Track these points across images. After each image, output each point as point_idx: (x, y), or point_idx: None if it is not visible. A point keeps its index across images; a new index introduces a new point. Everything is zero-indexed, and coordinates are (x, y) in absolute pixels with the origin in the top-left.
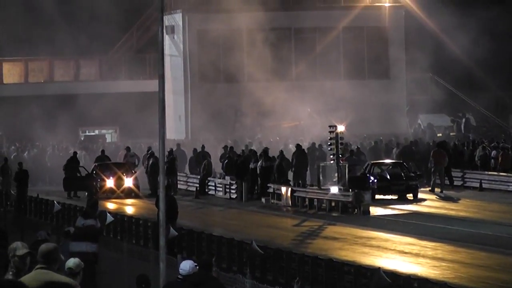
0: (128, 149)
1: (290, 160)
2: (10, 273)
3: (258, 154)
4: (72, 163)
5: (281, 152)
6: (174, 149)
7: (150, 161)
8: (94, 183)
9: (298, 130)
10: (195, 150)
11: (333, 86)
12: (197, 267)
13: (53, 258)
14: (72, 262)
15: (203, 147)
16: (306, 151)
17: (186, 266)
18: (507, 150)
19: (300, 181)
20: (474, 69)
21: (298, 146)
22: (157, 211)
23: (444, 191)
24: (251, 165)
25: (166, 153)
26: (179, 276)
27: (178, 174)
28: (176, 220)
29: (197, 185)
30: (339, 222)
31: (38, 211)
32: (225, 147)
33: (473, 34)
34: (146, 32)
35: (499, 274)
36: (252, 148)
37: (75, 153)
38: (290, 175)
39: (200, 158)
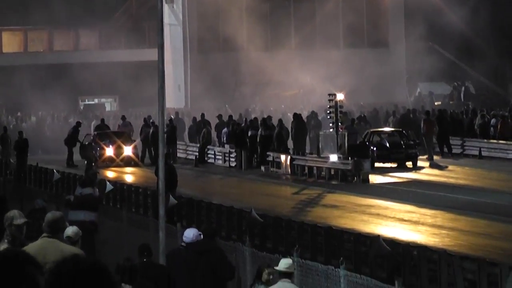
0: (123, 118)
1: (289, 129)
2: (6, 241)
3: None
4: (74, 133)
5: (280, 120)
6: (173, 118)
7: (151, 130)
8: (93, 152)
9: (297, 99)
10: (194, 119)
11: (333, 55)
12: (201, 235)
13: (59, 227)
14: (70, 230)
15: (202, 115)
16: (305, 120)
17: (190, 234)
18: (507, 118)
19: (299, 150)
20: (473, 38)
21: (296, 115)
22: (157, 180)
23: (435, 159)
24: (250, 133)
25: (167, 121)
26: (182, 244)
27: (178, 143)
28: (175, 188)
29: (197, 154)
30: (339, 190)
31: (37, 180)
32: (219, 116)
33: (472, 2)
34: (145, 1)
35: (499, 242)
36: (252, 117)
37: (78, 123)
38: (290, 144)
39: (200, 127)
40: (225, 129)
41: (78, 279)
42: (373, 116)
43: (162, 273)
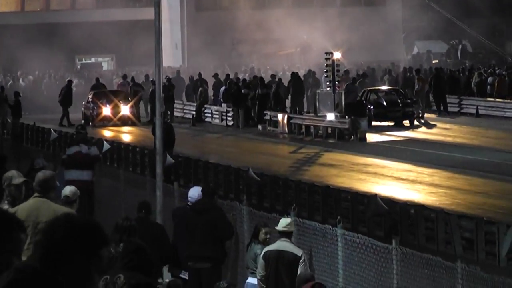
0: (124, 77)
1: (286, 88)
2: (6, 201)
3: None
4: (68, 92)
5: (280, 80)
6: (174, 76)
7: (151, 89)
8: (90, 112)
9: (294, 57)
10: (191, 77)
11: (329, 13)
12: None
13: (50, 186)
14: (68, 190)
15: (199, 74)
16: (303, 78)
17: (195, 193)
18: (504, 76)
19: (297, 108)
20: None
21: (294, 74)
22: (154, 139)
23: (432, 118)
24: (244, 91)
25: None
26: (188, 203)
27: (175, 101)
28: (173, 148)
29: (194, 113)
30: (336, 149)
31: (34, 139)
32: (216, 75)
33: None
34: None
35: (496, 200)
36: (247, 75)
37: (69, 81)
38: (288, 103)
39: (197, 86)
40: (222, 88)
41: (71, 237)
42: (370, 74)
43: (156, 230)
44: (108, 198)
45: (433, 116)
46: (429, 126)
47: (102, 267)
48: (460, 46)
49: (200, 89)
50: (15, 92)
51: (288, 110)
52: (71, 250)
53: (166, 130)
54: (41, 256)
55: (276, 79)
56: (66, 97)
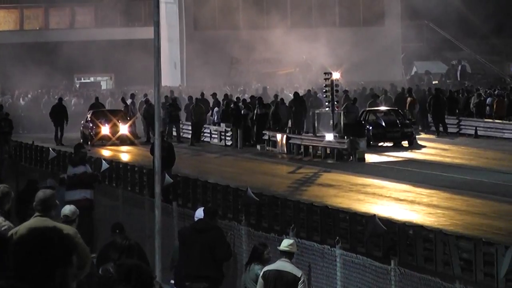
0: (123, 100)
1: (289, 107)
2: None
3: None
4: (59, 109)
5: (281, 99)
6: (172, 96)
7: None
8: (89, 131)
9: (293, 77)
10: (190, 97)
11: (328, 33)
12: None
13: (51, 205)
14: (68, 209)
15: (202, 95)
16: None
17: (201, 213)
18: (502, 97)
19: (298, 129)
20: (470, 16)
21: (296, 94)
22: (153, 158)
23: (429, 138)
24: (244, 111)
25: (163, 100)
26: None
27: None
28: (172, 167)
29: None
30: (334, 169)
31: (33, 158)
32: (214, 95)
33: None
34: None
35: (495, 221)
36: (247, 97)
37: (60, 99)
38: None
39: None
40: (216, 108)
41: (39, 249)
42: (368, 95)
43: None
44: (107, 217)
45: (431, 136)
46: (428, 146)
47: (75, 274)
48: (459, 67)
49: (191, 106)
50: (6, 113)
51: (287, 130)
52: (41, 261)
53: (167, 149)
54: (15, 272)
55: (278, 99)
56: (58, 114)
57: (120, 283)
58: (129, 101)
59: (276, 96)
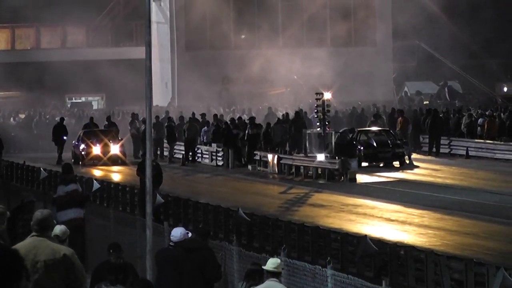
0: (108, 119)
1: (288, 127)
2: None
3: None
4: (60, 129)
5: (278, 119)
6: (163, 117)
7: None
8: (80, 151)
9: (284, 97)
10: (181, 117)
11: (320, 53)
12: (188, 234)
13: (48, 225)
14: (58, 229)
15: (193, 114)
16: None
17: (177, 232)
18: (493, 117)
19: (299, 148)
20: (461, 37)
21: (297, 113)
22: (142, 179)
23: (421, 158)
24: (235, 131)
25: (154, 120)
26: (171, 243)
27: (165, 141)
28: (159, 186)
29: (183, 152)
30: (326, 190)
31: (24, 178)
32: (203, 115)
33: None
34: None
35: (486, 242)
36: (240, 116)
37: (61, 119)
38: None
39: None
40: (204, 128)
41: None
42: (359, 115)
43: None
44: (99, 237)
45: (423, 157)
46: (419, 167)
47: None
48: (445, 88)
49: (184, 125)
50: None
51: (281, 150)
52: None
53: (156, 168)
54: None
55: (283, 117)
56: (60, 134)
57: None
58: (105, 123)
59: (287, 114)
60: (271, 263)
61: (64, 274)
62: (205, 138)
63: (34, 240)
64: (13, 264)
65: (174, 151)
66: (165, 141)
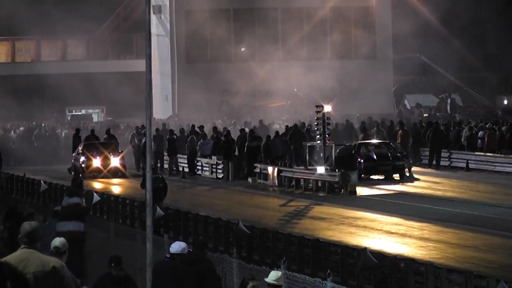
0: (107, 132)
1: (288, 139)
2: None
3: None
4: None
5: (277, 132)
6: (162, 129)
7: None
8: (80, 163)
9: (284, 110)
10: (182, 130)
11: (320, 66)
12: (186, 249)
13: (37, 237)
14: (58, 241)
15: (192, 126)
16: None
17: (176, 245)
18: (494, 130)
19: (303, 161)
20: (461, 49)
21: (296, 126)
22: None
23: (421, 171)
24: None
25: (155, 132)
26: (167, 256)
27: (165, 153)
28: (164, 199)
29: (183, 165)
30: (326, 202)
31: (24, 191)
32: (201, 127)
33: (459, 16)
34: (133, 11)
35: (486, 255)
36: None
37: (77, 129)
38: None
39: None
40: (201, 141)
41: None
42: (360, 127)
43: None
44: (99, 250)
45: (423, 169)
46: (420, 180)
47: None
48: (448, 100)
49: (189, 138)
50: None
51: (282, 163)
52: None
53: (162, 181)
54: None
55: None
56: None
57: None
58: (105, 137)
59: (295, 125)
60: (272, 276)
61: (53, 286)
62: (203, 151)
63: (24, 252)
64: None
65: (174, 164)
66: (165, 153)
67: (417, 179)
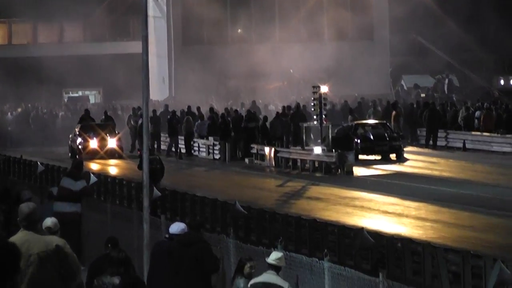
0: (105, 113)
1: (289, 121)
2: None
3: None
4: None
5: (277, 112)
6: (161, 110)
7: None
8: (77, 144)
9: (282, 91)
10: (182, 111)
11: (317, 47)
12: (185, 230)
13: (36, 218)
14: (50, 221)
15: (188, 107)
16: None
17: (176, 226)
18: (490, 110)
19: (301, 142)
20: (458, 30)
21: (298, 107)
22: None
23: (417, 151)
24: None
25: (152, 113)
26: (166, 236)
27: (162, 135)
28: (161, 179)
29: (181, 146)
30: (323, 183)
31: (21, 172)
32: (198, 108)
33: None
34: None
35: (483, 234)
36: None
37: (86, 110)
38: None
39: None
40: (198, 122)
41: None
42: (357, 108)
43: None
44: (95, 231)
45: (420, 149)
46: (416, 160)
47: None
48: (446, 80)
49: (185, 118)
50: None
51: (279, 143)
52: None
53: (160, 162)
54: None
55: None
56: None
57: None
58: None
59: (297, 105)
60: (273, 256)
61: (58, 265)
62: (199, 131)
63: (25, 234)
64: (11, 258)
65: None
66: (166, 135)
67: (414, 159)
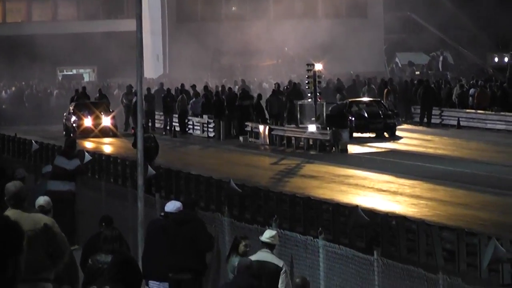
0: (100, 91)
1: (284, 99)
2: None
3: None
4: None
5: (273, 90)
6: (156, 88)
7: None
8: (71, 123)
9: (276, 69)
10: (176, 89)
11: (311, 25)
12: (181, 208)
13: (22, 196)
14: (42, 200)
15: (182, 85)
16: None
17: (171, 204)
18: (485, 88)
19: (296, 119)
20: (452, 7)
21: (294, 85)
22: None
23: (411, 129)
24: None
25: (146, 92)
26: (161, 214)
27: (156, 113)
28: (155, 157)
29: (175, 124)
30: (317, 160)
31: (15, 151)
32: (193, 86)
33: None
34: None
35: (477, 212)
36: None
37: (83, 88)
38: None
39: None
40: (193, 100)
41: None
42: (351, 86)
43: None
44: (90, 210)
45: (414, 127)
46: (410, 137)
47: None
48: (441, 58)
49: (180, 97)
50: None
51: (274, 121)
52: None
53: (154, 140)
54: None
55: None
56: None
57: (110, 271)
58: (96, 96)
59: (291, 82)
60: (267, 234)
61: (46, 243)
62: (193, 109)
63: (14, 213)
64: (15, 237)
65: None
66: (160, 113)
67: (408, 137)
